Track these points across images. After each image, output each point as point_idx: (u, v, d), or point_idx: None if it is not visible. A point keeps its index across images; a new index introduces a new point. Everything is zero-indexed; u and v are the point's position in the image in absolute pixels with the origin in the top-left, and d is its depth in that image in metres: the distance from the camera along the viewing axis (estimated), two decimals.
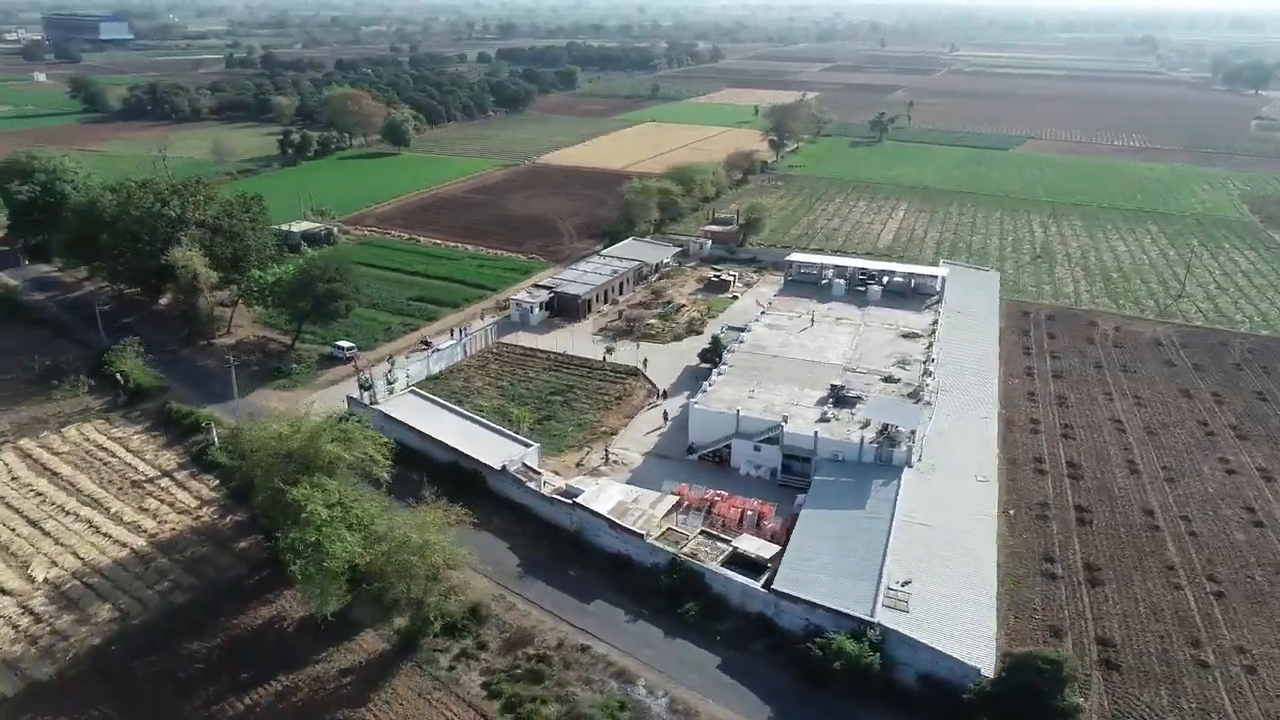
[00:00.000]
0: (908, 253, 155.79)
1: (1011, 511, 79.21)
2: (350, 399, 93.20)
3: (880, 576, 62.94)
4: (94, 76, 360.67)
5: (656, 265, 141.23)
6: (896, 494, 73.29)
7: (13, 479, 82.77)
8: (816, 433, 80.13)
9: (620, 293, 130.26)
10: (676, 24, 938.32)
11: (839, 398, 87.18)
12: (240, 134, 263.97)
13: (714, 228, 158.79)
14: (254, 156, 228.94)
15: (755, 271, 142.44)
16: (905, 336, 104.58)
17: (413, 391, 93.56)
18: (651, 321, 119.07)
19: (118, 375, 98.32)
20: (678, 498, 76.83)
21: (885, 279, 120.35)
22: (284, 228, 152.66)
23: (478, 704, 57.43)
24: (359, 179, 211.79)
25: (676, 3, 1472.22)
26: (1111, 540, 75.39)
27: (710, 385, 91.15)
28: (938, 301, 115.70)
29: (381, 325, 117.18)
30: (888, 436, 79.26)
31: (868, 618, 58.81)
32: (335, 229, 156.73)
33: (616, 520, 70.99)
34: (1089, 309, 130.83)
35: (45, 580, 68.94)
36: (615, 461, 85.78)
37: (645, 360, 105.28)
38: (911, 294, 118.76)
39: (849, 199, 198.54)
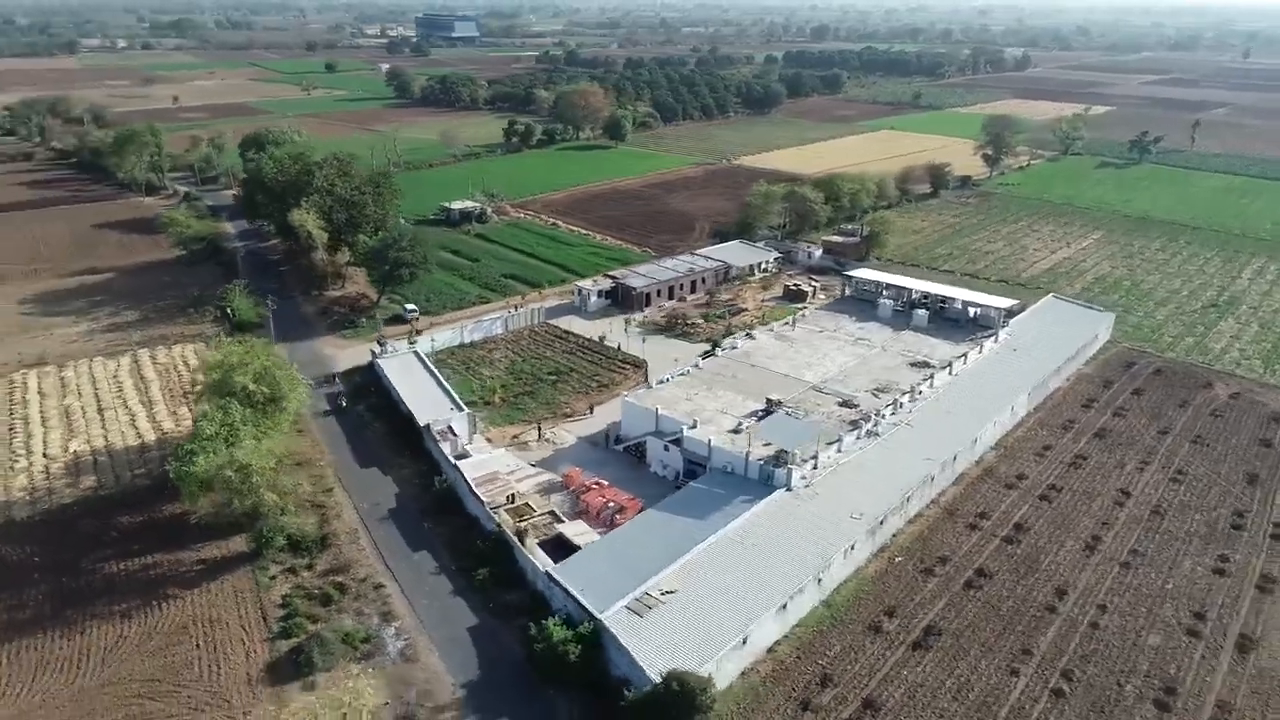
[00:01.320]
0: (1052, 285, 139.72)
1: (899, 559, 73.09)
2: (372, 353, 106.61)
3: (647, 580, 62.80)
4: (421, 69, 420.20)
5: (751, 268, 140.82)
6: (746, 512, 71.19)
7: (112, 376, 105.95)
8: (710, 441, 79.23)
9: (693, 290, 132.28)
10: (1009, 29, 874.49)
11: (768, 414, 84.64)
12: (498, 122, 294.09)
13: (834, 238, 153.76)
14: (485, 143, 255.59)
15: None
16: (914, 365, 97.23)
17: (414, 353, 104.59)
18: (696, 320, 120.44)
19: (228, 310, 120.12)
20: (561, 478, 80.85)
21: (943, 304, 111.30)
22: (446, 205, 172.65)
23: (269, 610, 66.65)
24: (559, 167, 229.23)
25: (1030, 5, 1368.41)
26: (985, 611, 67.15)
27: (659, 383, 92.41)
28: (990, 335, 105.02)
29: (458, 294, 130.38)
30: (776, 457, 76.37)
31: (594, 612, 59.60)
32: (489, 209, 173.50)
33: (473, 486, 76.51)
34: (1222, 370, 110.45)
35: (74, 451, 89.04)
36: (547, 440, 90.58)
37: (655, 380, 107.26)
38: (967, 323, 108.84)
39: (1037, 223, 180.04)
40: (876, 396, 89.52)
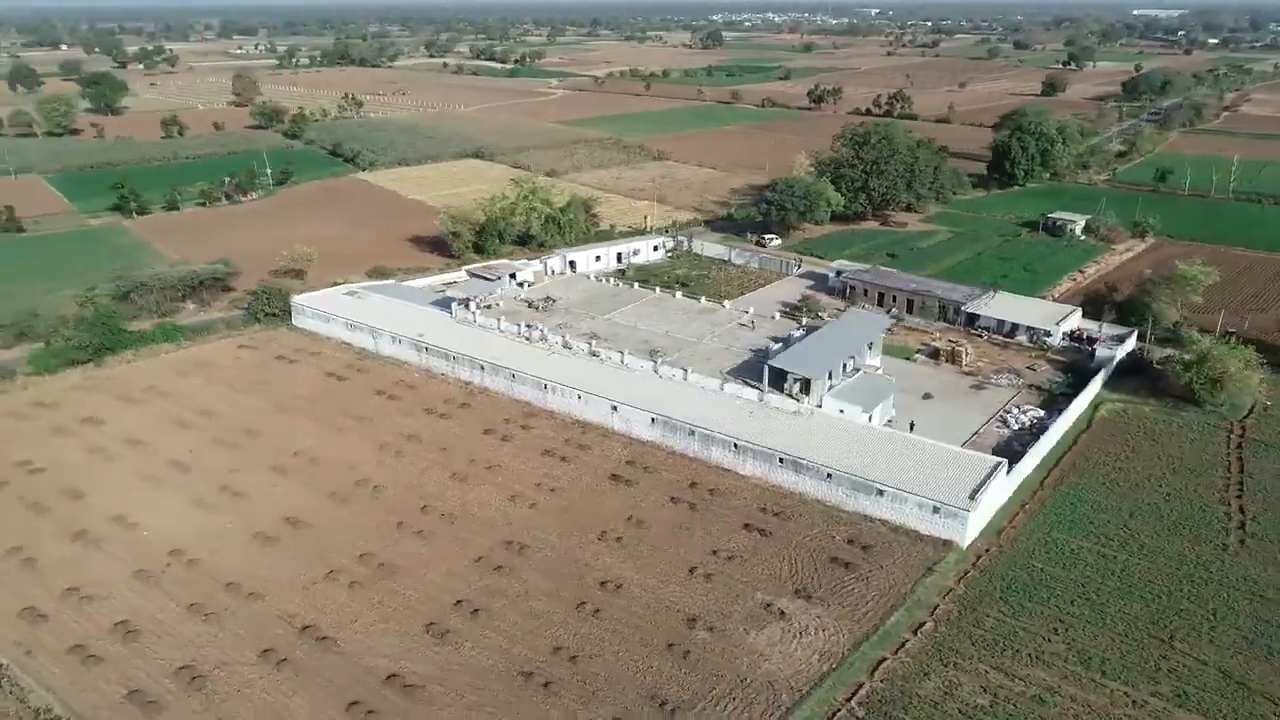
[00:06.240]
0: None
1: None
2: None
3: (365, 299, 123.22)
4: None
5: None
6: (418, 309, 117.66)
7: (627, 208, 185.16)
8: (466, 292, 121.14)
9: (909, 310, 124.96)
10: None
11: (531, 300, 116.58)
12: None
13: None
14: None
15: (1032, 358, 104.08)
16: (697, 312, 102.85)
17: (660, 244, 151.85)
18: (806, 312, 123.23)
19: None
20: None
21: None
22: (1048, 214, 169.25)
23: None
24: None
25: None
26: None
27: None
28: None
29: (834, 248, 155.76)
30: (464, 299, 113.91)
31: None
32: (1077, 229, 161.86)
33: (444, 285, 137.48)
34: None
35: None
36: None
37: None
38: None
39: None
40: (589, 355, 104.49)
